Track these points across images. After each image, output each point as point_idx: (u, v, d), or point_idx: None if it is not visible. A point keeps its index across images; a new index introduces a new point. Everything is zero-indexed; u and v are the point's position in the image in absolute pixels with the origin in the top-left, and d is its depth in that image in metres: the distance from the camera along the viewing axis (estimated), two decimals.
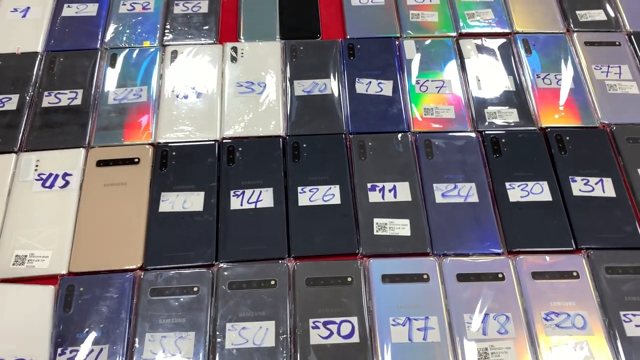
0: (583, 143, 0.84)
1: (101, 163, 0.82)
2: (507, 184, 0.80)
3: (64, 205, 0.79)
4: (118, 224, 0.77)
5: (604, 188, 0.80)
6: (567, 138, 0.85)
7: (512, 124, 0.87)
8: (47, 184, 0.81)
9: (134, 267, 0.74)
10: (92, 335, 0.69)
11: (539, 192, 0.80)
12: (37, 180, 0.81)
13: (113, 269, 0.74)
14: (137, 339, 0.68)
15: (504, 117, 0.88)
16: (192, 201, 0.79)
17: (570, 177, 0.81)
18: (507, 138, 0.85)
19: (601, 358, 0.67)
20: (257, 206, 0.79)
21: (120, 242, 0.76)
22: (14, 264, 0.74)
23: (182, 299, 0.71)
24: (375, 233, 0.76)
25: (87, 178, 0.81)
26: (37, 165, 0.82)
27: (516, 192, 0.80)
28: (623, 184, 0.81)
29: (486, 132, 0.86)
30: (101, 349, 0.68)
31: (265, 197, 0.79)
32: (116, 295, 0.71)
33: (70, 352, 0.67)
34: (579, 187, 0.80)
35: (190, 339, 0.68)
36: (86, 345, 0.68)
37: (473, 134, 0.86)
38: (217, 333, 0.69)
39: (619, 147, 0.84)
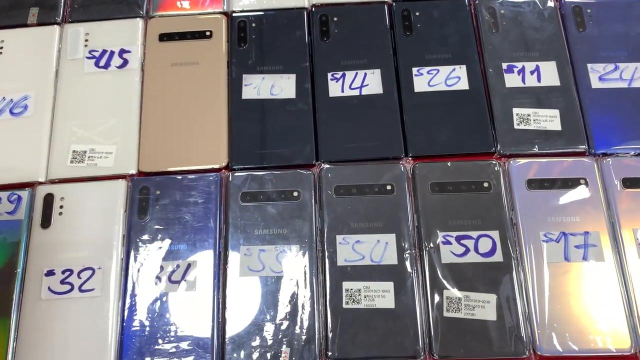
0: None
1: (165, 37, 0.67)
2: None
3: (125, 89, 0.64)
4: (193, 114, 0.63)
5: None
6: None
7: None
8: (102, 62, 0.65)
9: (218, 166, 0.61)
10: (176, 248, 0.57)
11: None
12: (88, 58, 0.66)
13: (192, 169, 0.61)
14: (229, 253, 0.57)
15: None
16: (281, 86, 0.64)
17: None
18: None
19: None
20: (362, 92, 0.63)
21: (198, 136, 0.62)
22: (72, 162, 0.61)
23: (280, 206, 0.58)
24: (515, 127, 0.61)
25: (150, 56, 0.66)
26: (86, 40, 0.67)
27: None
28: None
29: None
30: (188, 265, 0.56)
31: (371, 81, 0.64)
32: (201, 201, 0.59)
33: (150, 267, 0.56)
34: None
35: (295, 253, 0.56)
36: (169, 260, 0.57)
37: None
38: (326, 247, 0.56)
39: None
